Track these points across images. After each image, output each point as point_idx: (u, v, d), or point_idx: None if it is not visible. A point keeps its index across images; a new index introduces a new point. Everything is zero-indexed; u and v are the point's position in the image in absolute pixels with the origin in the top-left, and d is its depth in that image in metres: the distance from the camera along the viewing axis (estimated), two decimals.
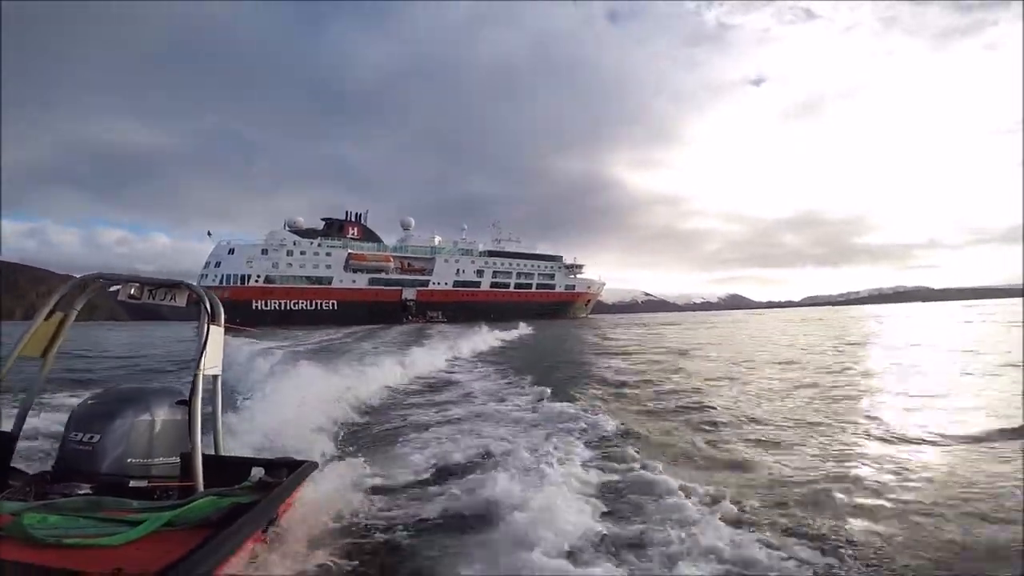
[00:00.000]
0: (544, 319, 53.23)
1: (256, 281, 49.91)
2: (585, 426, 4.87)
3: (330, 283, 53.46)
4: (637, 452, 4.03)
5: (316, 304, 51.83)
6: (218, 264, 50.10)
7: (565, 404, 5.94)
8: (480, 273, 63.18)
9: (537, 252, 69.55)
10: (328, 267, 53.64)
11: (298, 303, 51.16)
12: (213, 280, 48.78)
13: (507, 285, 65.07)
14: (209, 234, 52.74)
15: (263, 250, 51.11)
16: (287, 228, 54.65)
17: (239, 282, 49.30)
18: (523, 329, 25.10)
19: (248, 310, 46.10)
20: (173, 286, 2.48)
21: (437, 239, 63.21)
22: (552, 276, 69.21)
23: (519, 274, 66.28)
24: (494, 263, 64.57)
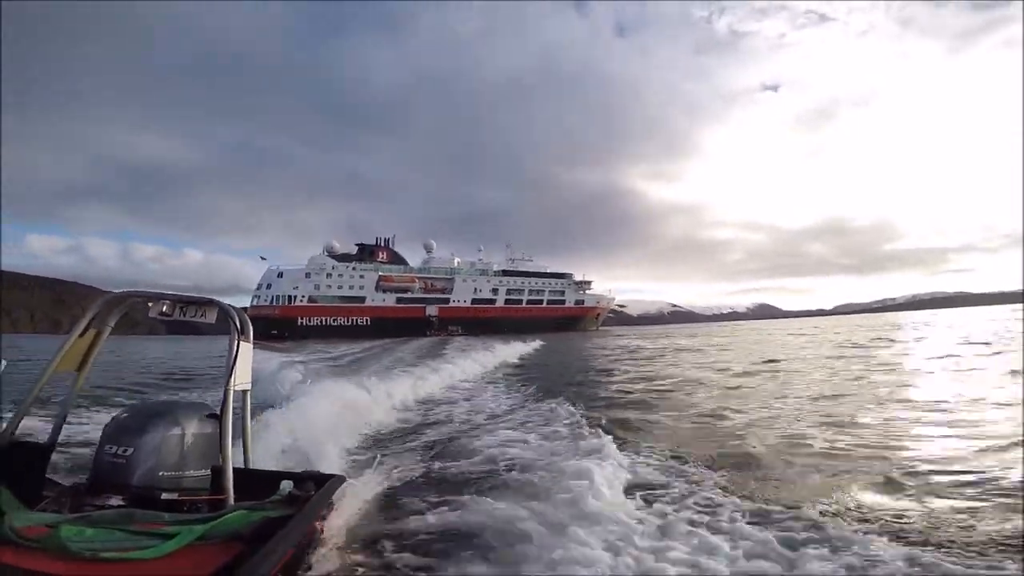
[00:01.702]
0: (556, 332, 58.39)
1: (301, 301, 58.12)
2: None
3: (363, 302, 61.37)
4: None
5: (352, 320, 59.58)
6: (268, 286, 58.63)
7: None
8: (495, 291, 70.24)
9: (548, 271, 76.07)
10: (362, 288, 61.70)
11: (336, 319, 58.88)
12: (265, 300, 57.52)
13: (520, 302, 71.82)
14: (263, 259, 61.89)
15: (306, 273, 59.48)
16: (325, 253, 62.95)
17: (287, 301, 57.55)
18: (530, 344, 23.33)
19: (295, 325, 54.50)
20: (204, 303, 2.52)
21: (456, 260, 70.67)
22: (563, 292, 75.29)
23: (531, 291, 72.92)
24: (508, 282, 71.46)
